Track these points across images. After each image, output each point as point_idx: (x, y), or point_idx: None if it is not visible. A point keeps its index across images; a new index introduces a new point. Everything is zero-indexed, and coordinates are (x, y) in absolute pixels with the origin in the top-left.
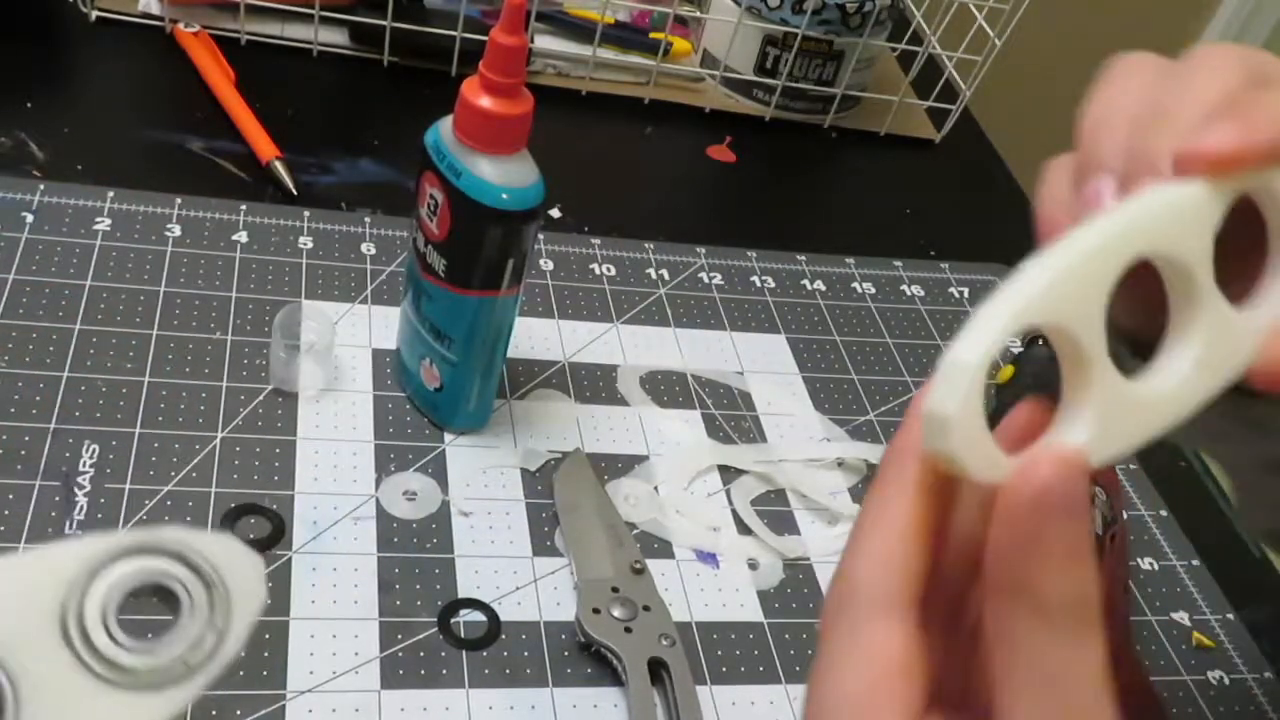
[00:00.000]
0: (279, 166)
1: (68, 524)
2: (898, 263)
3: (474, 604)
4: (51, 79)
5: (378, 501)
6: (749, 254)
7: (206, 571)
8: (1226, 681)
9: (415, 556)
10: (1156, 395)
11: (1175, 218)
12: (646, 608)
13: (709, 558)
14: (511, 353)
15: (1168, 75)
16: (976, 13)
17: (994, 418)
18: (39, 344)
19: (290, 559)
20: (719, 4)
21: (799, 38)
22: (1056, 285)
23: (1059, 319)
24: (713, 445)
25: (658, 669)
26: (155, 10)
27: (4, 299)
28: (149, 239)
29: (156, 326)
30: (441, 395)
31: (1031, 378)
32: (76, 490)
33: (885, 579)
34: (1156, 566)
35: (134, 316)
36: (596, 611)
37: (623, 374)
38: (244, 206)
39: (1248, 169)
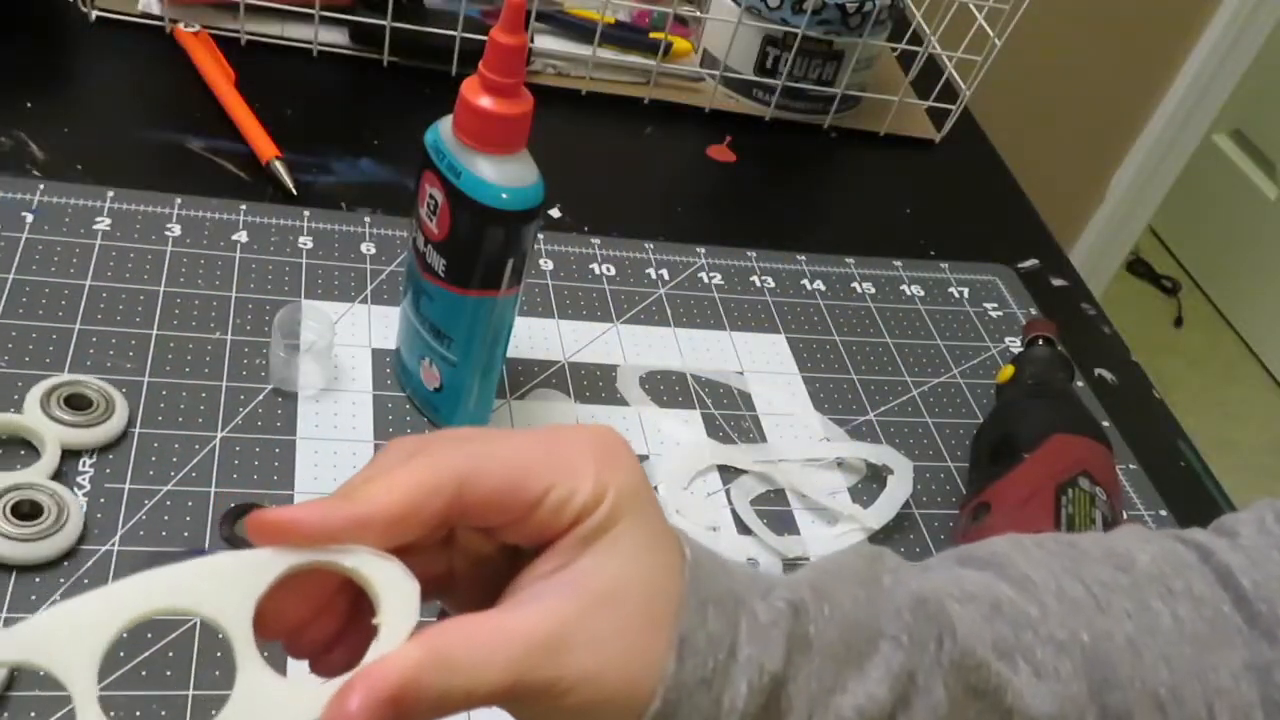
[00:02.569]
0: (279, 166)
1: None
2: (898, 263)
3: None
4: (51, 79)
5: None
6: (749, 254)
7: None
8: None
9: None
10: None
11: (217, 580)
12: None
13: None
14: (511, 353)
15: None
16: (976, 13)
17: (995, 415)
18: (39, 343)
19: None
20: (719, 4)
21: (799, 38)
22: (47, 626)
23: (36, 659)
24: (712, 445)
25: None
26: (155, 10)
27: (4, 299)
28: (149, 239)
29: (156, 326)
30: (441, 395)
31: (1031, 378)
32: (76, 490)
33: None
34: None
35: (134, 316)
36: None
37: (623, 374)
38: (244, 206)
39: (296, 544)
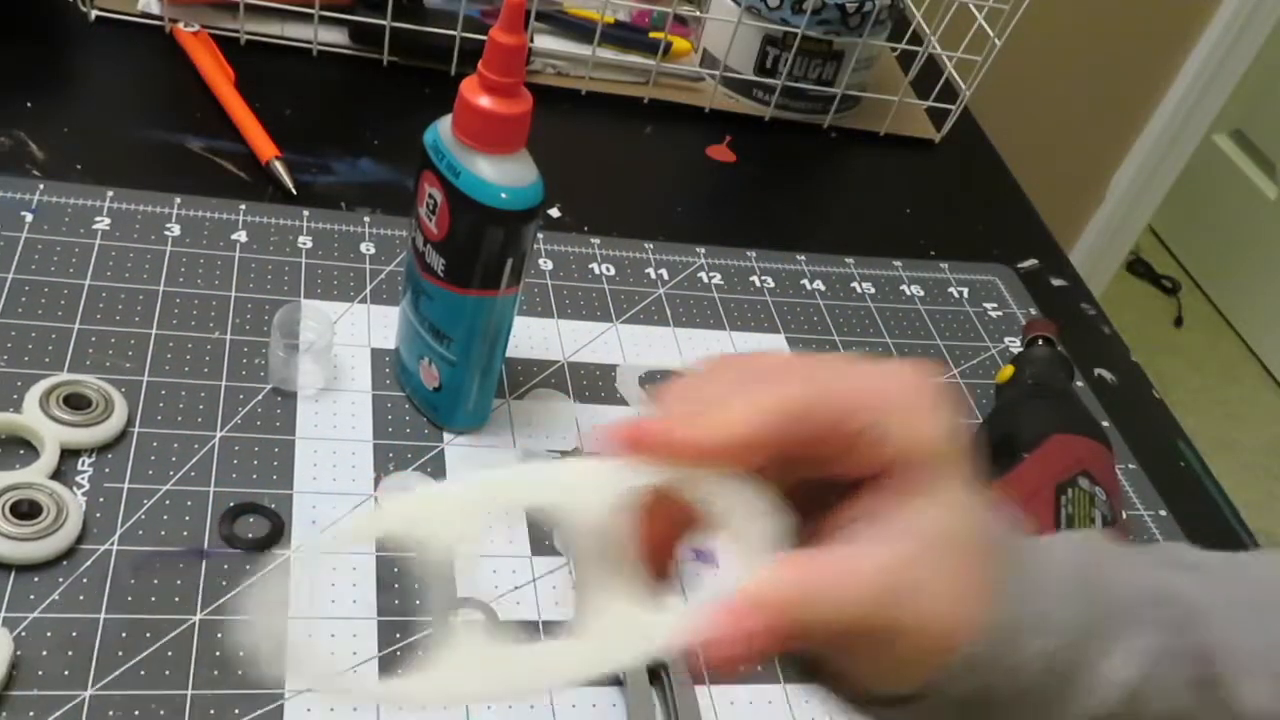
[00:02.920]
0: (278, 166)
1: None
2: (898, 263)
3: (473, 604)
4: (51, 79)
5: (377, 501)
6: (749, 254)
7: None
8: None
9: (414, 556)
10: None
11: (586, 481)
12: None
13: (708, 557)
14: (511, 352)
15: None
16: (976, 13)
17: (995, 415)
18: (38, 343)
19: (289, 558)
20: (719, 4)
21: (799, 38)
22: (423, 503)
23: (414, 530)
24: None
25: (656, 669)
26: (155, 10)
27: (4, 298)
28: (148, 238)
29: (156, 326)
30: (441, 395)
31: (1031, 378)
32: (75, 489)
33: None
34: None
35: (134, 316)
36: None
37: (622, 373)
38: (243, 206)
39: (651, 462)
